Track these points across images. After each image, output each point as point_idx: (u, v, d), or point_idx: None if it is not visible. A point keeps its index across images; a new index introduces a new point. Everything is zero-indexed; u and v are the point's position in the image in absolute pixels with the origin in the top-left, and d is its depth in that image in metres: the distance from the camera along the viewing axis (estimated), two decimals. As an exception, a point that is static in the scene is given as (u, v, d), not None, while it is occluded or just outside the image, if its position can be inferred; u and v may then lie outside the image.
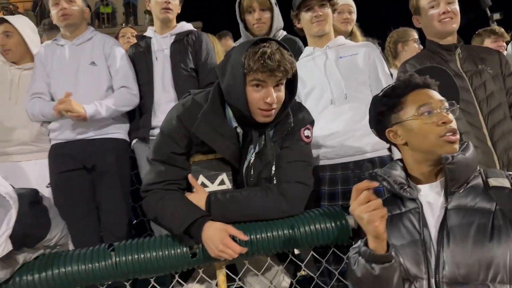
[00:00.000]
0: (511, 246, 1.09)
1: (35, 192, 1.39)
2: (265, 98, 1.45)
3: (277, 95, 1.47)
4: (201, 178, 1.57)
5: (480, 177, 1.25)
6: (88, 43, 2.54)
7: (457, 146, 1.23)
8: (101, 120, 2.37)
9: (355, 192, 1.10)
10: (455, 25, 2.02)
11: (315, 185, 1.99)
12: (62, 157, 2.38)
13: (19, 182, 2.30)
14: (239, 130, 1.54)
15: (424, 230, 1.19)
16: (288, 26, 2.44)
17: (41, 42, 3.07)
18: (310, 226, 1.53)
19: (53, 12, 2.50)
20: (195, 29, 2.68)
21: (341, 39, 2.25)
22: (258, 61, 1.39)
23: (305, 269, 1.68)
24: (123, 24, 12.92)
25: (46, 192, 2.36)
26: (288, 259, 1.62)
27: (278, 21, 2.55)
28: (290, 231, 1.51)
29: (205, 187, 1.56)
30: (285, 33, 2.67)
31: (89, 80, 2.44)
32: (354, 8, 3.02)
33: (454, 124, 1.23)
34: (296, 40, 2.59)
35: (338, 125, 2.04)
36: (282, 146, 1.60)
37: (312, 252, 1.65)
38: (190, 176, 1.56)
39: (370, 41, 3.02)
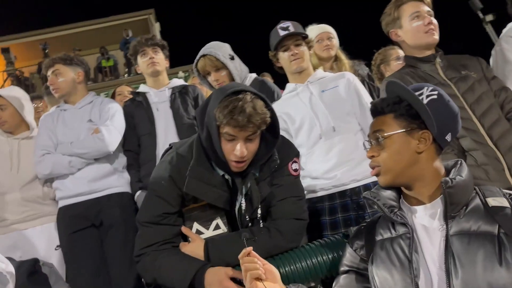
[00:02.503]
0: None
1: (33, 262, 1.42)
2: (235, 151, 1.44)
3: (247, 146, 1.45)
4: (196, 226, 1.58)
5: (478, 197, 1.20)
6: (89, 106, 2.66)
7: (378, 179, 1.29)
8: (100, 176, 2.46)
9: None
10: (437, 37, 2.02)
11: (315, 217, 2.01)
12: (71, 218, 2.42)
13: (27, 249, 2.38)
14: (227, 176, 1.56)
15: (414, 256, 1.15)
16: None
17: (44, 103, 3.22)
18: (312, 259, 1.50)
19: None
20: (187, 84, 2.85)
21: (320, 72, 2.31)
22: (228, 116, 1.37)
23: None
24: (125, 75, 13.28)
25: (54, 254, 2.41)
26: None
27: (241, 71, 2.51)
28: (292, 267, 1.49)
29: (200, 234, 1.57)
30: (254, 75, 2.63)
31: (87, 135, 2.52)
32: (333, 33, 3.06)
33: (373, 160, 1.29)
34: (264, 81, 2.60)
35: (332, 159, 2.06)
36: (272, 183, 1.61)
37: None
38: (183, 228, 1.57)
39: (357, 64, 3.07)
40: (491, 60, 2.24)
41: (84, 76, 2.72)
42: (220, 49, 2.42)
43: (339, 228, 1.98)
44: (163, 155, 1.69)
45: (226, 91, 1.43)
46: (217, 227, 1.59)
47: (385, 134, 1.26)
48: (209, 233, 1.58)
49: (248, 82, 2.53)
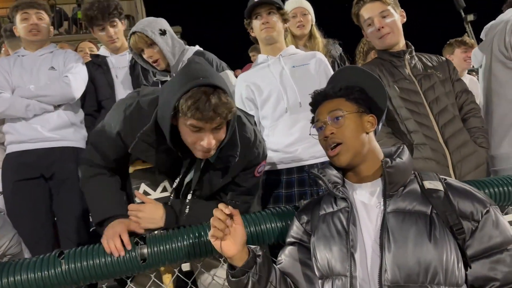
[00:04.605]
0: (447, 248, 1.12)
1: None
2: (201, 143, 1.38)
3: (215, 136, 1.39)
4: (143, 187, 1.60)
5: (416, 180, 1.28)
6: (50, 54, 2.61)
7: (339, 157, 1.29)
8: (56, 126, 2.42)
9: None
10: (394, 37, 2.09)
11: (272, 189, 2.08)
12: (18, 165, 2.37)
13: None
14: (179, 154, 1.51)
15: (351, 228, 1.21)
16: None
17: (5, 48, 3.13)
18: (261, 226, 1.55)
19: (21, 26, 2.55)
20: None
21: (292, 48, 2.33)
22: (193, 108, 1.30)
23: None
24: (101, 30, 12.85)
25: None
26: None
27: (173, 46, 2.36)
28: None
29: (147, 195, 1.60)
30: (196, 48, 2.50)
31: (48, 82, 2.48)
32: (308, 9, 2.97)
33: (332, 136, 1.30)
34: (204, 52, 2.48)
35: (294, 133, 2.11)
36: (234, 180, 1.62)
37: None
38: (137, 193, 1.58)
39: (331, 43, 3.04)
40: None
41: (52, 33, 2.70)
42: (149, 25, 2.32)
43: (293, 202, 2.04)
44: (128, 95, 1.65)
45: (184, 84, 1.33)
46: (164, 189, 1.61)
47: (345, 113, 1.31)
48: (156, 194, 1.60)
49: (187, 55, 2.42)
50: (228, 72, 2.47)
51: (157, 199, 1.59)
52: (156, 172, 1.60)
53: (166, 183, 1.61)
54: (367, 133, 1.32)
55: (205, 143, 1.37)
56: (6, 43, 3.29)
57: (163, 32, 2.33)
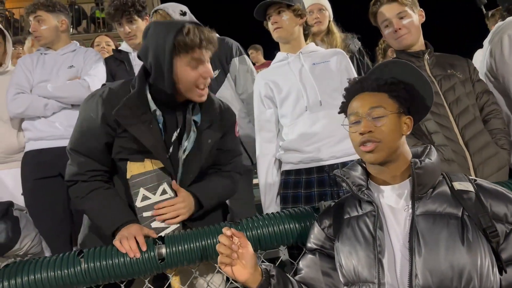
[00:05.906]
0: (481, 251, 1.07)
1: (7, 206, 1.41)
2: (203, 74, 1.52)
3: (209, 67, 1.56)
4: (142, 191, 1.58)
5: (445, 181, 1.23)
6: (71, 53, 2.62)
7: (373, 154, 1.22)
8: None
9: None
10: (412, 38, 2.05)
11: (291, 188, 2.06)
12: (37, 164, 2.38)
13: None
14: (158, 112, 1.54)
15: (378, 233, 1.16)
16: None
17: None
18: (279, 226, 1.53)
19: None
20: None
21: (312, 46, 2.29)
22: (196, 38, 1.46)
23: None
24: (119, 28, 12.99)
25: (20, 200, 2.39)
26: (260, 261, 1.63)
27: None
28: (259, 231, 1.52)
29: (147, 199, 1.58)
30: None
31: (67, 80, 2.49)
32: (325, 5, 2.92)
33: (370, 135, 1.21)
34: (224, 38, 2.58)
35: (314, 133, 2.07)
36: (221, 148, 1.71)
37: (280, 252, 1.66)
38: (174, 184, 1.59)
39: (349, 38, 2.99)
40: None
41: (67, 25, 2.65)
42: (171, 5, 2.47)
43: (313, 202, 2.00)
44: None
45: (175, 24, 1.52)
46: (164, 192, 1.60)
47: (388, 112, 1.23)
48: (156, 198, 1.59)
49: None
50: (245, 57, 2.58)
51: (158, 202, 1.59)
52: (153, 177, 1.58)
53: (165, 186, 1.60)
54: (403, 135, 1.26)
55: (208, 70, 1.53)
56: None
57: (183, 13, 2.46)
